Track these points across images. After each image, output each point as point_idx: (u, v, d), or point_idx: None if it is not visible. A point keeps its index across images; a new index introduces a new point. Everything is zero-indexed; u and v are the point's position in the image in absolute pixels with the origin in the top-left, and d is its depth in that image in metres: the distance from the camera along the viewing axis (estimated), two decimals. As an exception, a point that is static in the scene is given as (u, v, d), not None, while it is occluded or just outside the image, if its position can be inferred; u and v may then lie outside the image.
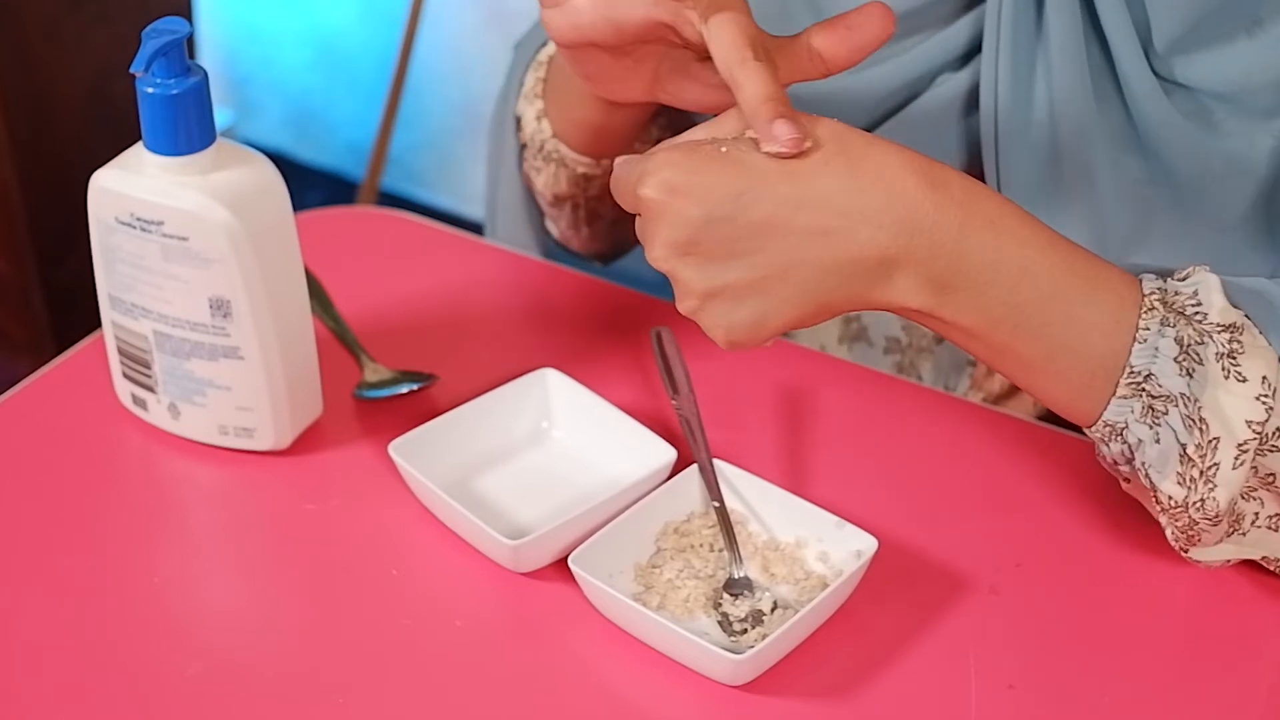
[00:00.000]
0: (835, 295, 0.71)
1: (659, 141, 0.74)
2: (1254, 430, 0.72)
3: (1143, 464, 0.74)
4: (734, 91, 0.71)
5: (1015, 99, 0.87)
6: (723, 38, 0.72)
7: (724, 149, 0.71)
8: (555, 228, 1.06)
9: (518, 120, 1.01)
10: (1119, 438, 0.74)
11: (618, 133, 0.93)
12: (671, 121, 0.98)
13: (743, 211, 0.69)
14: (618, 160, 0.75)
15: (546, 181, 1.00)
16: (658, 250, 0.71)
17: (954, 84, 0.90)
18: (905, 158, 0.71)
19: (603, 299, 1.01)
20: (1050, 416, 0.95)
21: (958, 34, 0.89)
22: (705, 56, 0.74)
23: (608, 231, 1.05)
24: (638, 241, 1.04)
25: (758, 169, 0.70)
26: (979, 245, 0.71)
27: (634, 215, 0.75)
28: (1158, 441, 0.73)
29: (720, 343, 0.73)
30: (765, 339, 0.72)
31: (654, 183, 0.70)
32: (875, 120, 0.93)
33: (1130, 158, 0.87)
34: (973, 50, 0.89)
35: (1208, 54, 0.83)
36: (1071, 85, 0.85)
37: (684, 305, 0.73)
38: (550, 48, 0.99)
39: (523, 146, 1.01)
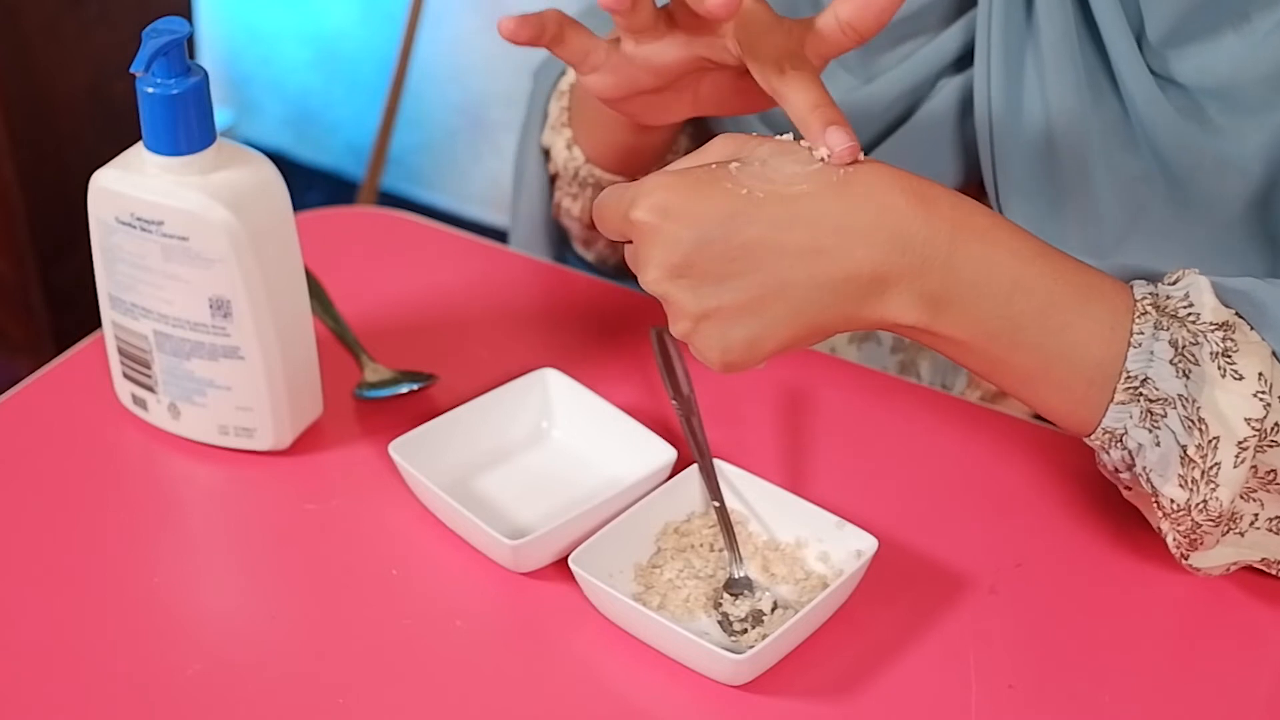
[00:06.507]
0: (829, 314, 0.71)
1: (689, 152, 0.75)
2: (1253, 427, 0.72)
3: (1144, 469, 0.74)
4: (781, 105, 0.72)
5: (1008, 99, 0.87)
6: (758, 61, 0.73)
7: (715, 172, 0.71)
8: (592, 250, 1.07)
9: (546, 152, 1.02)
10: (1118, 444, 0.74)
11: (651, 150, 0.95)
12: (697, 130, 1.00)
13: (735, 233, 0.69)
14: (605, 190, 0.76)
15: (584, 207, 1.01)
16: (651, 273, 0.71)
17: (951, 88, 0.90)
18: (894, 176, 0.71)
19: (603, 299, 1.01)
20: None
21: (952, 38, 0.89)
22: (746, 72, 0.76)
23: None
24: None
25: (749, 191, 0.70)
26: (970, 259, 0.71)
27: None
28: (1158, 445, 0.73)
29: (714, 365, 0.72)
30: (759, 360, 0.72)
31: (647, 205, 0.70)
32: (883, 129, 0.93)
33: (1125, 154, 0.87)
34: (967, 53, 0.89)
35: (1198, 50, 0.83)
36: (1064, 83, 0.86)
37: (678, 328, 0.73)
38: (570, 76, 1.00)
39: (554, 177, 1.01)
